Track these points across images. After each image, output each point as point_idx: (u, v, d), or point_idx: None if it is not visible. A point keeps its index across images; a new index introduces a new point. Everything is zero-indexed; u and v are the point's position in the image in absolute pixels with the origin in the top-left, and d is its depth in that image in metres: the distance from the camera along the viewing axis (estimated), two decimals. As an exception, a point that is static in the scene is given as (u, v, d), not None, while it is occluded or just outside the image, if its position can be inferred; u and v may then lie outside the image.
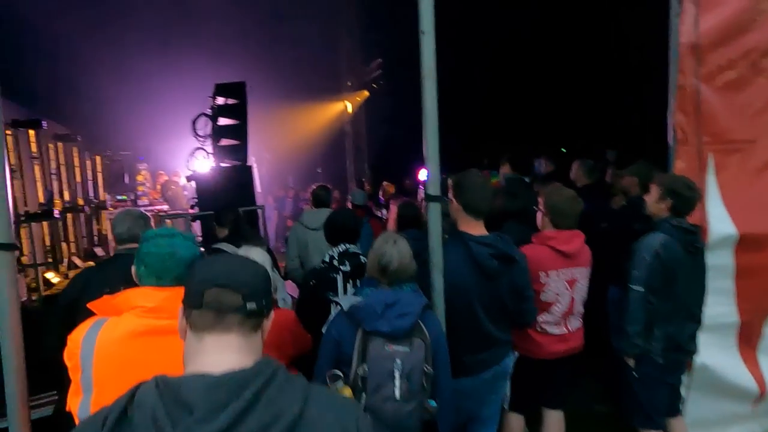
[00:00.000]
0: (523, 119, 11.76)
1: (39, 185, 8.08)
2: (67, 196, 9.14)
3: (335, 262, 2.74)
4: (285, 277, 4.26)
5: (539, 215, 2.90)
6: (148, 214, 8.77)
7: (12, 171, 7.10)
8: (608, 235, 3.75)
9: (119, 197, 9.96)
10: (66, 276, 8.03)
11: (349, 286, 2.74)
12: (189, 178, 6.55)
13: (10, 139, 7.23)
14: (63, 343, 2.43)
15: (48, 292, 6.91)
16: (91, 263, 9.34)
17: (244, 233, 3.38)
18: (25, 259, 6.77)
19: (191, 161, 6.90)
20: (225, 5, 9.32)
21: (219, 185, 6.26)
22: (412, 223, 3.58)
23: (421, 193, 6.55)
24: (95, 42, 8.79)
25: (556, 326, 2.85)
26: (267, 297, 1.12)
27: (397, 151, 11.55)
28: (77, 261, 9.06)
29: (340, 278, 2.71)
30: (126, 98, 9.62)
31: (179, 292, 1.69)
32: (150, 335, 1.61)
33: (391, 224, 3.71)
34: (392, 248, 2.12)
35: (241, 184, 6.41)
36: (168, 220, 6.92)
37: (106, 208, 10.07)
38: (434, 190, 2.29)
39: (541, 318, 2.80)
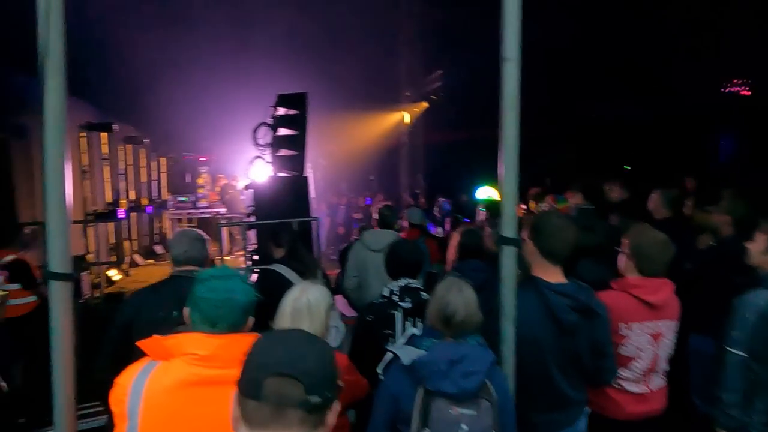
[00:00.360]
0: (588, 135, 11.21)
1: (107, 185, 8.44)
2: (132, 196, 9.51)
3: (395, 298, 2.57)
4: (335, 291, 4.13)
5: (622, 258, 2.61)
6: (207, 215, 8.94)
7: (83, 172, 7.43)
8: (692, 277, 3.39)
9: (180, 198, 10.27)
10: (127, 274, 8.34)
11: (408, 324, 2.56)
12: (247, 187, 6.61)
13: (83, 140, 7.58)
14: (115, 365, 2.40)
15: (109, 290, 7.17)
16: (151, 261, 9.68)
17: (300, 256, 3.28)
18: (90, 257, 7.05)
19: (250, 169, 6.97)
20: (291, 17, 9.45)
21: (276, 195, 6.27)
22: (474, 253, 3.37)
23: (480, 215, 6.28)
24: (165, 48, 9.12)
25: (635, 384, 2.55)
26: (333, 387, 0.96)
27: (454, 165, 11.34)
28: (138, 259, 9.41)
29: (399, 315, 2.53)
30: (192, 103, 9.93)
31: (234, 339, 1.58)
32: (201, 386, 1.50)
33: (452, 253, 3.51)
34: (457, 296, 1.92)
35: (297, 194, 6.39)
36: (224, 228, 7.00)
37: (167, 208, 10.42)
38: (510, 231, 2.08)
39: (620, 374, 2.51)
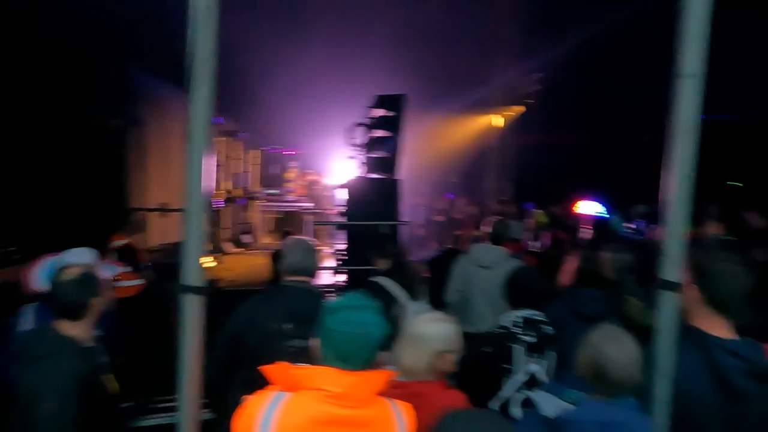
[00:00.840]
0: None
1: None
2: (226, 186, 9.91)
3: (516, 330, 2.34)
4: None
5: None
6: (293, 209, 9.06)
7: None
8: None
9: (270, 191, 10.57)
10: (218, 262, 8.68)
11: (526, 359, 2.33)
12: (340, 186, 6.61)
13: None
14: (224, 374, 2.37)
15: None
16: (240, 250, 10.03)
17: (405, 270, 3.13)
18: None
19: (341, 168, 6.99)
20: (389, 17, 9.38)
21: (367, 196, 6.22)
22: (592, 281, 3.06)
23: (584, 232, 5.84)
24: (265, 44, 9.38)
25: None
26: None
27: (549, 174, 10.72)
28: (228, 247, 9.80)
29: (520, 350, 2.31)
30: (287, 98, 10.15)
31: (367, 378, 1.43)
32: (333, 425, 1.39)
33: (567, 278, 3.21)
34: (614, 349, 1.66)
35: (388, 197, 6.30)
36: (315, 227, 7.06)
37: (257, 200, 10.78)
38: (673, 274, 1.78)
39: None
